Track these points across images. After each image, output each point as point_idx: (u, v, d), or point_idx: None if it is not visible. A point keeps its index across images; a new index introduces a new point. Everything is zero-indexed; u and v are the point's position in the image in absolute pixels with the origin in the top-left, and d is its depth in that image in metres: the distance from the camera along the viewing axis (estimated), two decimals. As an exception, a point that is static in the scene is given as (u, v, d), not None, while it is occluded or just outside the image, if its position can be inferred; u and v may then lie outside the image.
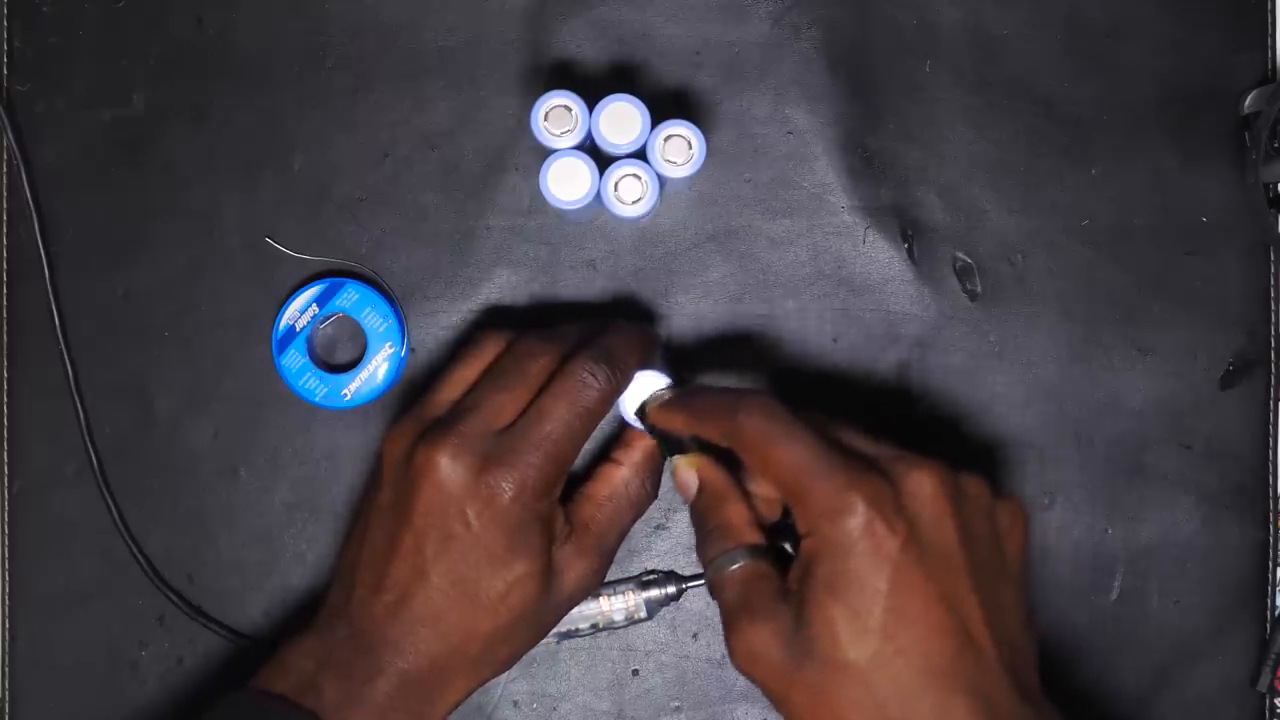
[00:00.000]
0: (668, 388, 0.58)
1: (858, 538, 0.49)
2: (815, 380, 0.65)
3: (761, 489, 0.56)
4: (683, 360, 0.65)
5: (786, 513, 0.53)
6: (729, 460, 0.56)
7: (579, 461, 0.58)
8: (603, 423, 0.58)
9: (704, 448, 0.56)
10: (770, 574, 0.52)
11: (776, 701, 0.51)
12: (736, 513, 0.55)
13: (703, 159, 0.59)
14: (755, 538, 0.54)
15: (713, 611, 0.65)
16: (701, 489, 0.56)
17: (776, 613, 0.51)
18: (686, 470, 0.56)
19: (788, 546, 0.53)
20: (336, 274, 0.65)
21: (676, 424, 0.56)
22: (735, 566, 0.53)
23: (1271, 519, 0.65)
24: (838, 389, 0.65)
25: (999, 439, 0.65)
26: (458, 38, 0.66)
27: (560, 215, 0.65)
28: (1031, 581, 0.61)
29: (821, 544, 0.50)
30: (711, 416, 0.54)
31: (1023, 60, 0.65)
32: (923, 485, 0.50)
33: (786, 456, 0.51)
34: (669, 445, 0.57)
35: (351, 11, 0.66)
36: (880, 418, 0.64)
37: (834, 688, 0.49)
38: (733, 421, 0.52)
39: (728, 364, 0.65)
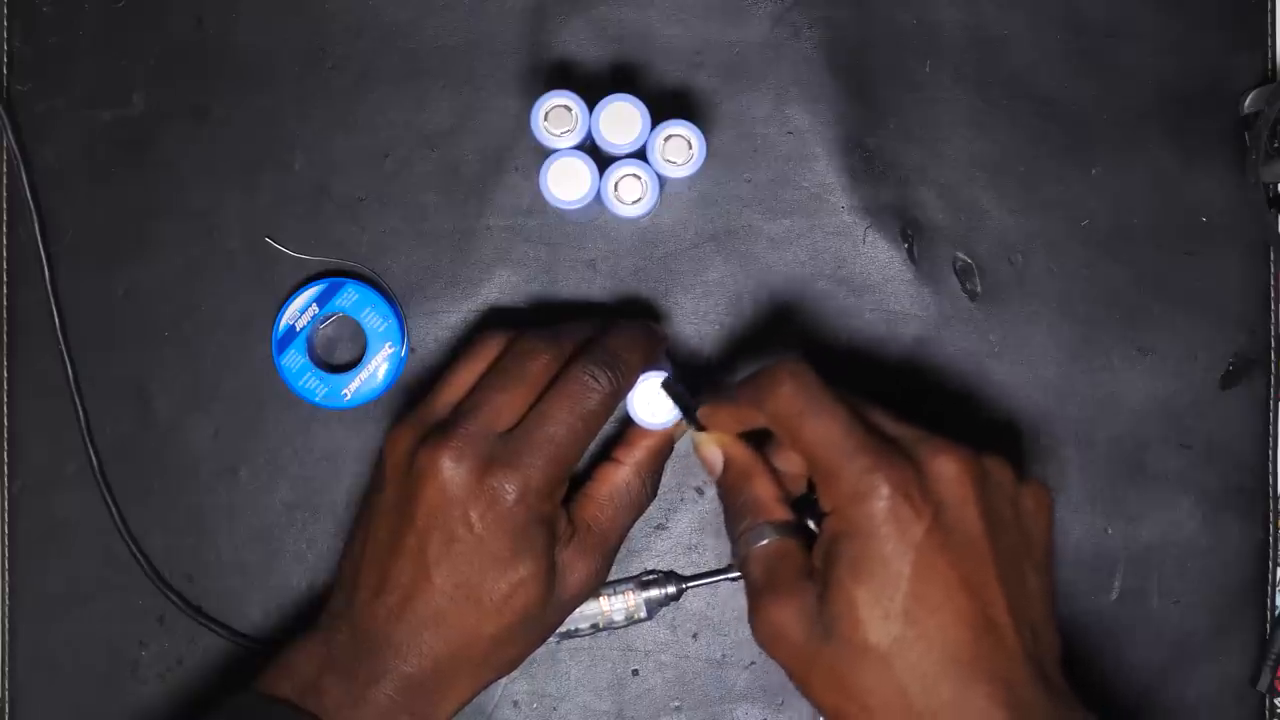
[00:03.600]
0: (669, 379, 0.58)
1: (881, 521, 0.49)
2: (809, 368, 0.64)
3: (786, 464, 0.56)
4: (684, 360, 0.65)
5: (812, 487, 0.53)
6: (753, 435, 0.55)
7: (580, 460, 0.58)
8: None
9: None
10: (796, 551, 0.52)
11: (797, 681, 0.51)
12: (763, 488, 0.54)
13: (703, 159, 0.59)
14: (783, 514, 0.54)
15: (713, 611, 0.65)
16: (727, 466, 0.56)
17: (800, 591, 0.51)
18: (710, 447, 0.56)
19: (812, 524, 0.53)
20: (336, 274, 0.65)
21: (728, 425, 0.56)
22: (762, 543, 0.53)
23: (1271, 519, 0.65)
24: (837, 389, 0.65)
25: (999, 439, 0.65)
26: (458, 38, 0.66)
27: (560, 215, 0.65)
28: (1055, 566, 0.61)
29: (846, 525, 0.50)
30: (750, 399, 0.54)
31: (1023, 60, 0.65)
32: (948, 469, 0.50)
33: (815, 433, 0.51)
34: (696, 423, 0.57)
35: (351, 11, 0.66)
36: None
37: (854, 670, 0.49)
38: (768, 394, 0.52)
39: (727, 364, 0.65)
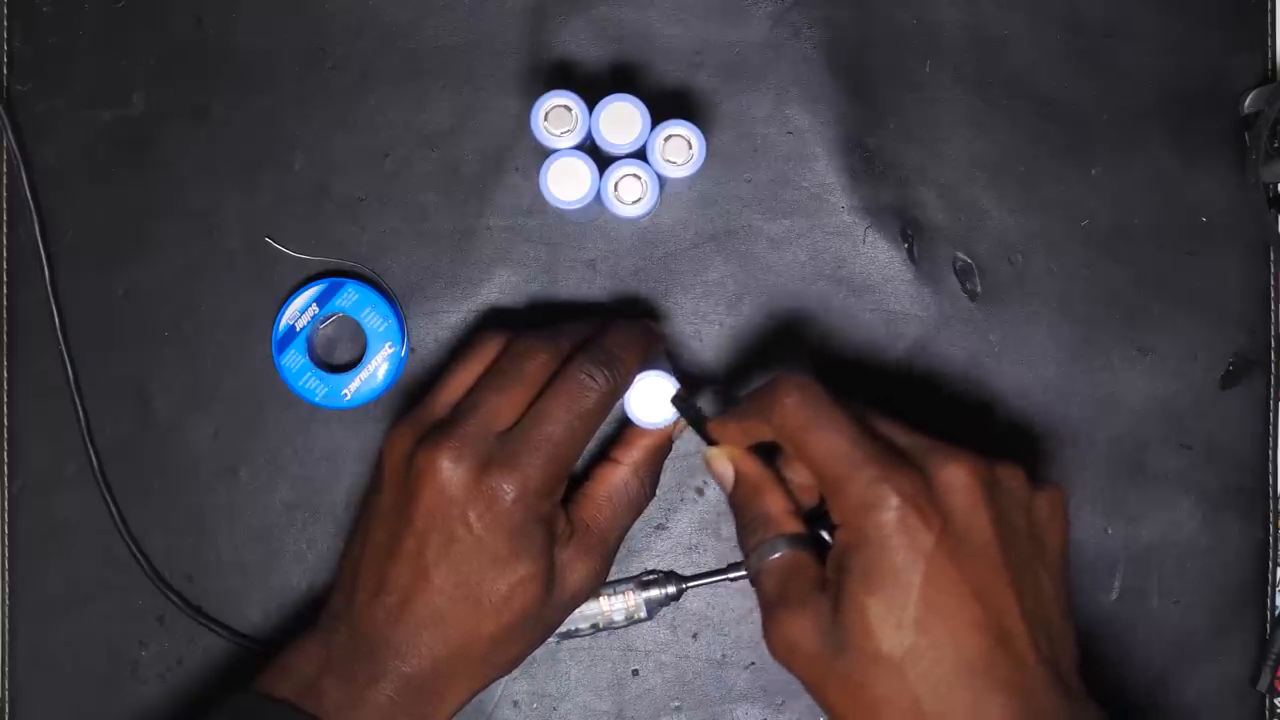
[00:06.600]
0: (676, 391, 0.58)
1: (891, 532, 0.49)
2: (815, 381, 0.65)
3: (798, 476, 0.56)
4: (683, 360, 0.65)
5: (824, 499, 0.53)
6: (764, 448, 0.55)
7: (579, 461, 0.58)
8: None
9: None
10: (809, 564, 0.52)
11: (813, 692, 0.51)
12: (775, 502, 0.54)
13: (703, 159, 0.59)
14: (795, 526, 0.54)
15: (713, 611, 0.65)
16: (739, 480, 0.56)
17: (814, 603, 0.51)
18: (721, 461, 0.56)
19: (825, 535, 0.53)
20: (336, 274, 0.65)
21: (737, 438, 0.56)
22: (775, 556, 0.53)
23: (1271, 519, 0.65)
24: (838, 390, 0.64)
25: (999, 439, 0.65)
26: (458, 38, 0.66)
27: (560, 215, 0.65)
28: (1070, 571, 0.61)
29: (856, 536, 0.50)
30: (757, 413, 0.54)
31: (1023, 60, 0.65)
32: (957, 478, 0.50)
33: (822, 445, 0.51)
34: (706, 437, 0.57)
35: (351, 11, 0.66)
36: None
37: (869, 680, 0.49)
38: (773, 408, 0.52)
39: (727, 365, 0.65)
